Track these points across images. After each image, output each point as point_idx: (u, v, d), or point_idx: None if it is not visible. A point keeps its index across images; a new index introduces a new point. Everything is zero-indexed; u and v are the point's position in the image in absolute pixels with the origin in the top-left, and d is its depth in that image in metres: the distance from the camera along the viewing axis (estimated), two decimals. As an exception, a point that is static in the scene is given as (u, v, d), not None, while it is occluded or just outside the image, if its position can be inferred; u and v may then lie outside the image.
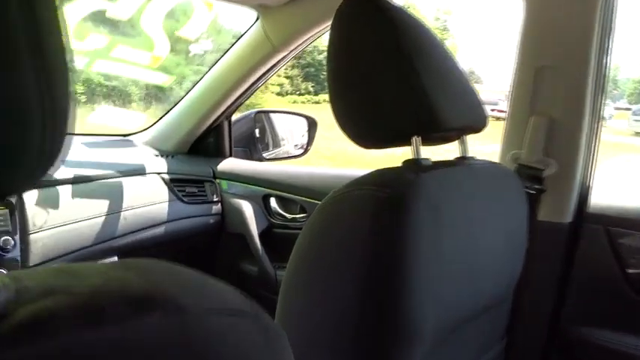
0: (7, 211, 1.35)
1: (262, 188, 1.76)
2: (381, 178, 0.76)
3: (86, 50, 1.70)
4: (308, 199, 1.62)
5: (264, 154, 2.02)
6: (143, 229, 1.62)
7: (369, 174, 0.77)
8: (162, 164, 1.80)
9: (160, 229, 1.66)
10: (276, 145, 2.07)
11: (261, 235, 1.72)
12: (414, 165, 0.79)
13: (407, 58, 0.78)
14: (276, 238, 1.73)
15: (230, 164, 1.90)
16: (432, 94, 0.78)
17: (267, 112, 2.10)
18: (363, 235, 0.70)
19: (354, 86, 0.81)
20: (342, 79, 0.83)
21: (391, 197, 0.71)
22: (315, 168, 1.74)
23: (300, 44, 1.63)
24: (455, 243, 0.77)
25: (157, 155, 1.85)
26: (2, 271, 1.28)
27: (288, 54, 1.67)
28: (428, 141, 0.85)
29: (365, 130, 0.82)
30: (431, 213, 0.73)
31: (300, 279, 0.79)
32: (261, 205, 1.76)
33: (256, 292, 1.75)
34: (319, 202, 1.49)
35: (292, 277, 0.79)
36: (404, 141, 0.82)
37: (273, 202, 1.76)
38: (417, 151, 0.81)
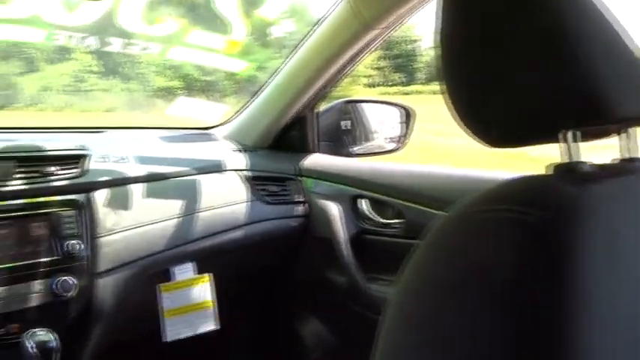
0: (75, 212, 1.24)
1: (352, 188, 1.54)
2: (529, 193, 0.51)
3: (158, 36, 1.58)
4: (406, 203, 1.38)
5: (354, 149, 1.80)
6: (221, 232, 1.47)
7: (508, 184, 0.54)
8: (241, 160, 1.64)
9: (239, 233, 1.50)
10: (367, 138, 1.84)
11: (351, 241, 1.51)
12: (573, 172, 0.54)
13: (556, 20, 0.54)
14: (368, 246, 1.51)
15: (316, 160, 1.71)
16: (594, 70, 0.53)
17: (356, 102, 1.88)
18: (503, 275, 0.47)
19: (479, 65, 0.57)
20: (460, 56, 0.59)
21: (547, 223, 0.47)
22: (415, 165, 1.50)
23: (395, 19, 1.39)
24: (635, 288, 0.52)
25: (236, 150, 1.70)
26: (71, 279, 1.17)
27: (380, 32, 1.44)
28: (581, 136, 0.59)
29: (495, 122, 0.58)
30: (606, 245, 0.48)
31: (409, 309, 0.57)
32: (351, 206, 1.55)
33: (344, 304, 1.55)
34: (419, 207, 1.21)
35: (401, 304, 0.58)
36: (550, 137, 0.57)
37: (364, 204, 1.54)
38: (573, 152, 0.55)
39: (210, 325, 1.44)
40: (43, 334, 1.01)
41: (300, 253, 1.67)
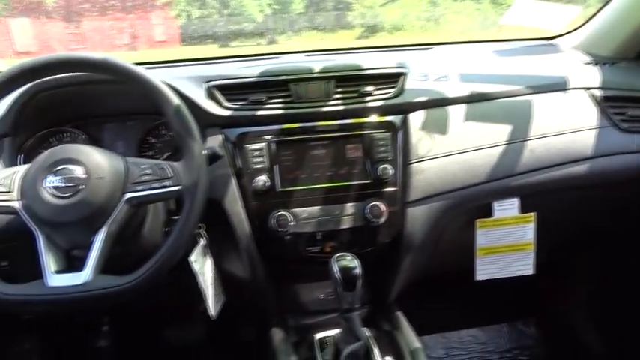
0: (389, 134, 1.17)
1: None
2: None
3: None
4: None
5: None
6: (556, 165, 1.19)
7: None
8: (593, 75, 1.30)
9: (581, 167, 1.20)
10: None
11: None
12: None
13: None
14: None
15: None
16: None
17: None
18: None
19: None
20: None
21: None
22: None
23: None
24: None
25: (587, 63, 1.35)
26: (382, 205, 1.12)
27: None
28: None
29: None
30: None
31: None
32: None
33: None
34: None
35: None
36: None
37: None
38: None
39: (526, 270, 1.23)
40: (349, 260, 0.98)
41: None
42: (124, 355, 1.75)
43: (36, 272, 0.87)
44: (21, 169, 0.90)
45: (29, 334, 1.62)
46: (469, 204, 1.18)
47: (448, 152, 1.17)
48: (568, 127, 1.21)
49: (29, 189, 0.86)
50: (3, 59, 1.46)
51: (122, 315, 1.68)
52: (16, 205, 0.87)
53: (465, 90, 1.23)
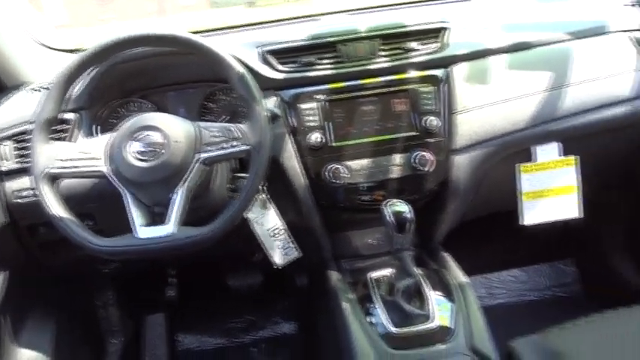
0: (433, 88, 1.23)
1: None
2: None
3: None
4: None
5: None
6: (597, 108, 1.24)
7: None
8: (633, 17, 1.31)
9: (621, 109, 1.24)
10: None
11: None
12: None
13: None
14: None
15: None
16: None
17: None
18: None
19: None
20: None
21: None
22: None
23: None
24: None
25: (631, 4, 1.37)
26: (428, 154, 1.19)
27: None
28: None
29: None
30: None
31: None
32: None
33: None
34: None
35: None
36: None
37: None
38: None
39: (572, 213, 1.29)
40: (400, 205, 1.07)
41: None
42: (188, 303, 1.92)
43: (117, 228, 0.99)
44: (105, 138, 1.01)
45: (106, 288, 1.80)
46: (512, 149, 1.24)
47: (492, 101, 1.22)
48: (608, 71, 1.25)
49: (116, 155, 0.97)
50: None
51: (186, 267, 1.83)
52: (104, 169, 0.98)
53: (506, 40, 1.27)
